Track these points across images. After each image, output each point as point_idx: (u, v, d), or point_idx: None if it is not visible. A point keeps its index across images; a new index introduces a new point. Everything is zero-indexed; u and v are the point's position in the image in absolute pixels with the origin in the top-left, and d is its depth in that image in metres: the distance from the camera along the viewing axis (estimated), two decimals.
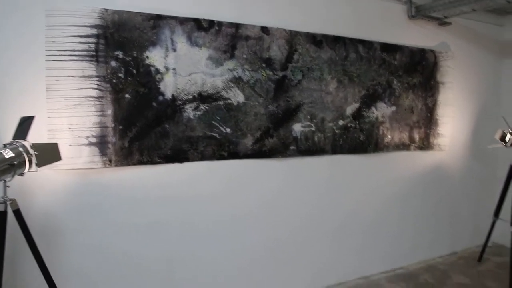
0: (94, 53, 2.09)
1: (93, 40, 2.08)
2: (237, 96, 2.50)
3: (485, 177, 3.80)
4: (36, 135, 1.96)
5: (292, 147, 2.73)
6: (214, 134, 2.45)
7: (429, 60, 3.32)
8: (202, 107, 2.40)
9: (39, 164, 1.65)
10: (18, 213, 1.63)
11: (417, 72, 3.27)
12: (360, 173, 3.09)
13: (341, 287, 3.02)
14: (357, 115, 2.99)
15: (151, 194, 2.30)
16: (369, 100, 3.04)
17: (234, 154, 2.53)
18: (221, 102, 2.45)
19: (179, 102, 2.33)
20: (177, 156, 2.36)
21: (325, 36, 2.80)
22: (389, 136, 3.17)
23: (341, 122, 2.92)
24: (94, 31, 2.08)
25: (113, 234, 2.21)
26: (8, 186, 1.62)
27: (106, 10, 2.11)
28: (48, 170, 2.02)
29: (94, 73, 2.09)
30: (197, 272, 2.48)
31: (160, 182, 2.33)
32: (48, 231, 2.06)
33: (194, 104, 2.37)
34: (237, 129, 2.51)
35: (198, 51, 2.36)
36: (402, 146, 3.26)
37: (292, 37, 2.67)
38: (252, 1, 2.54)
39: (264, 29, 2.56)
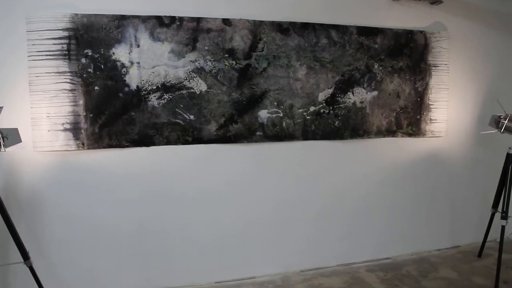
0: (67, 52, 2.45)
1: (66, 41, 2.44)
2: (199, 85, 2.70)
3: (494, 166, 3.47)
4: (22, 122, 2.41)
5: (258, 133, 2.86)
6: (178, 121, 2.69)
7: (418, 42, 3.16)
8: (165, 96, 2.65)
9: (6, 146, 2.04)
10: None
11: (404, 55, 3.14)
12: (337, 160, 3.09)
13: (317, 272, 3.07)
14: (331, 101, 3.00)
15: (121, 173, 2.62)
16: (345, 85, 3.02)
17: (199, 139, 2.74)
18: (184, 91, 2.68)
19: (144, 92, 2.60)
20: (144, 140, 2.64)
21: (292, 24, 2.85)
22: (370, 122, 3.11)
23: (312, 108, 2.96)
24: (66, 34, 2.44)
25: (88, 207, 2.58)
26: None
27: (76, 14, 2.45)
28: (32, 152, 2.45)
29: (67, 69, 2.46)
30: (168, 243, 2.75)
31: (129, 163, 2.64)
32: (33, 204, 2.49)
33: (158, 94, 2.63)
34: (200, 116, 2.72)
35: (161, 46, 2.61)
36: (387, 133, 3.17)
37: (256, 27, 2.78)
38: None
39: (226, 21, 2.72)
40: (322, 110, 2.99)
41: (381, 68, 3.09)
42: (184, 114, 2.70)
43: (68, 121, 2.49)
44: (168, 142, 2.69)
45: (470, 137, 3.41)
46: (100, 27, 2.49)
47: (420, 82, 3.20)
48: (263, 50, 2.81)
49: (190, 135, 2.72)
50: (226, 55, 2.73)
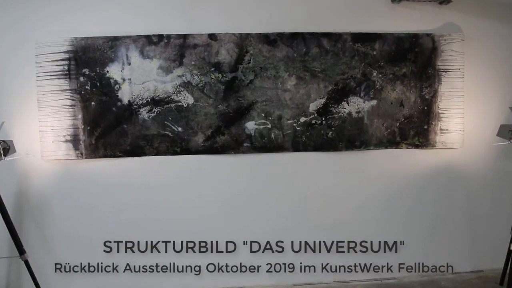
0: (67, 72, 2.75)
1: (66, 62, 2.74)
2: (186, 99, 2.82)
3: None
4: (32, 134, 2.76)
5: (245, 144, 2.88)
6: (167, 133, 2.83)
7: (424, 46, 2.91)
8: (155, 109, 2.81)
9: (5, 155, 2.36)
10: None
11: (407, 61, 2.91)
12: (331, 172, 2.97)
13: (309, 287, 2.98)
14: (323, 112, 2.90)
15: (115, 181, 2.85)
16: (338, 95, 2.90)
17: (187, 150, 2.86)
18: (172, 105, 2.82)
19: (135, 106, 2.80)
20: (135, 151, 2.84)
21: (280, 35, 2.83)
22: (369, 133, 2.94)
23: (303, 119, 2.89)
24: (66, 55, 2.73)
25: (87, 208, 2.84)
26: None
27: (76, 38, 2.74)
28: (40, 160, 2.78)
29: (68, 87, 2.75)
30: (159, 246, 2.89)
31: (122, 171, 2.85)
32: (40, 205, 2.82)
33: (148, 108, 2.81)
34: (188, 127, 2.84)
35: (150, 63, 2.78)
36: (389, 144, 2.97)
37: (242, 39, 2.81)
38: (199, 11, 2.80)
39: (212, 36, 2.80)
40: (313, 121, 2.90)
41: (380, 75, 2.91)
42: (172, 126, 2.83)
43: (69, 133, 2.77)
44: (158, 153, 2.85)
45: (492, 148, 3.02)
46: (95, 48, 2.75)
47: (427, 89, 2.94)
48: (249, 63, 2.83)
49: (179, 146, 2.85)
50: (212, 69, 2.81)
